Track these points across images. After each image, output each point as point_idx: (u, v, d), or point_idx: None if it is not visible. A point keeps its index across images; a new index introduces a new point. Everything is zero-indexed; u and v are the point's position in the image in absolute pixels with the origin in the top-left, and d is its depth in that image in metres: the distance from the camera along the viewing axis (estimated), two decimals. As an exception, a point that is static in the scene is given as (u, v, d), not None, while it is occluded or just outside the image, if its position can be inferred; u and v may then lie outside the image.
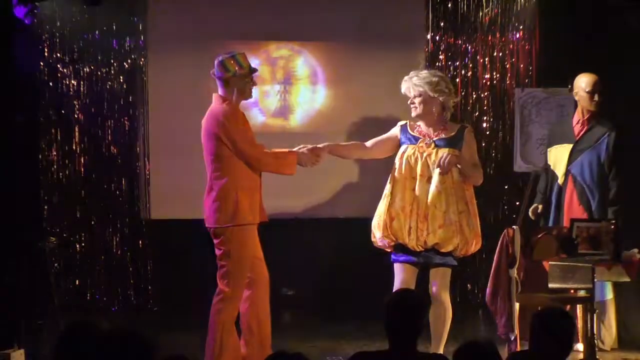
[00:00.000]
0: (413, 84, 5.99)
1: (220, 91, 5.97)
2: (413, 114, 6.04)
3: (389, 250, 6.04)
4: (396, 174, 5.97)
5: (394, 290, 5.97)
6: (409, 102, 6.03)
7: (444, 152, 5.90)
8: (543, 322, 4.05)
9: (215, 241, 5.95)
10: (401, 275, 6.00)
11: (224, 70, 5.94)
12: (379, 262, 6.38)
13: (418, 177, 5.91)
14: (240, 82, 5.94)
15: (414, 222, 5.87)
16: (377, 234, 6.00)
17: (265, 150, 6.00)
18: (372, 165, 6.76)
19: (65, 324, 6.66)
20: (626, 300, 6.92)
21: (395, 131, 6.14)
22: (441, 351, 5.78)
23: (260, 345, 5.91)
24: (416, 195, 5.89)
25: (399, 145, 6.06)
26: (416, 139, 6.02)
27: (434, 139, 5.99)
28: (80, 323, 4.00)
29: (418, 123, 6.08)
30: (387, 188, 5.98)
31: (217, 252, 5.95)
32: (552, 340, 3.97)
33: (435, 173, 5.88)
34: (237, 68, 5.93)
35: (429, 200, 5.86)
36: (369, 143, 6.17)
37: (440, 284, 5.95)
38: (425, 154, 5.95)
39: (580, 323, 6.32)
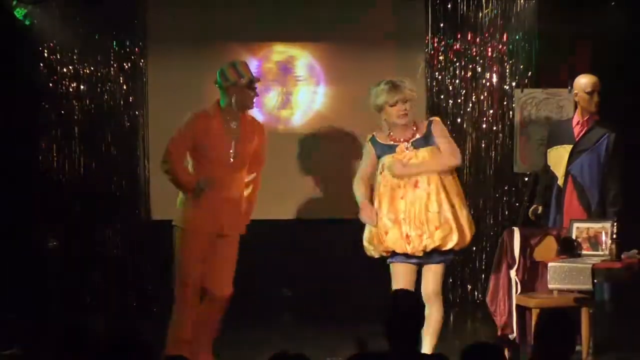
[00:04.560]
0: (409, 89, 5.92)
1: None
2: (403, 121, 5.89)
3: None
4: (381, 187, 5.88)
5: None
6: (402, 109, 5.87)
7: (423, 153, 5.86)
8: (545, 323, 4.05)
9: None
10: (401, 276, 5.94)
11: (223, 79, 5.94)
12: (379, 262, 6.38)
13: (404, 184, 5.83)
14: (241, 92, 5.94)
15: (411, 231, 5.82)
16: (370, 248, 5.96)
17: None
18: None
19: (65, 324, 6.70)
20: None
21: (368, 150, 6.02)
22: (430, 351, 5.76)
23: None
24: (407, 203, 5.83)
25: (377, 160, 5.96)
26: (391, 147, 5.95)
27: (412, 140, 5.92)
28: (80, 324, 4.01)
29: (389, 131, 5.98)
30: (375, 203, 5.89)
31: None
32: (554, 342, 3.96)
33: (421, 176, 5.82)
34: (237, 77, 5.93)
35: (420, 205, 5.80)
36: (362, 178, 5.99)
37: (435, 282, 5.93)
38: (407, 159, 5.87)
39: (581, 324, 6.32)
